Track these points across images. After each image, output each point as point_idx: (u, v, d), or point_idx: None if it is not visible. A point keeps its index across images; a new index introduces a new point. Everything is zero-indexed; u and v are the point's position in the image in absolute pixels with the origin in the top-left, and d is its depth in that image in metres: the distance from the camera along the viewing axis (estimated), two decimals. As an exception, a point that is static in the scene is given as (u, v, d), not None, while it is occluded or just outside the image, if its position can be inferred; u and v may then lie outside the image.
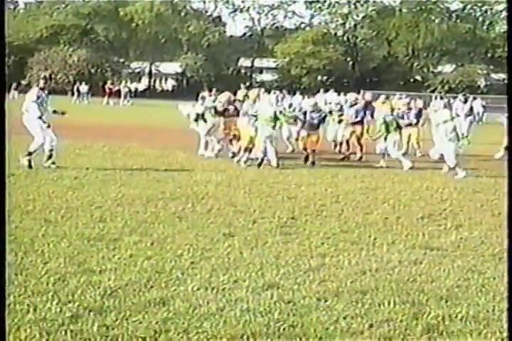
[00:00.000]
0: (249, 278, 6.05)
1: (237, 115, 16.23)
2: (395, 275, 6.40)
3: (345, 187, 12.43)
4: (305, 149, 15.86)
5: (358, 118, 17.41)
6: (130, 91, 53.54)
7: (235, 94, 17.46)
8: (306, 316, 5.11)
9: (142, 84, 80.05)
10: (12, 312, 4.86)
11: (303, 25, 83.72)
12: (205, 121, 16.08)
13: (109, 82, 57.65)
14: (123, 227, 7.96)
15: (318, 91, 42.11)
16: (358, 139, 17.36)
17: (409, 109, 18.92)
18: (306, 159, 15.69)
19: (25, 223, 7.89)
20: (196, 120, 16.23)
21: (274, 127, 15.16)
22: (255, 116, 15.34)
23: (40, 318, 4.77)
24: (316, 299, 5.53)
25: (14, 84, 58.64)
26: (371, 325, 4.96)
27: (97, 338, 4.48)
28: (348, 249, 7.43)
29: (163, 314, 5.00)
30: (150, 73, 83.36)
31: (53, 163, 13.31)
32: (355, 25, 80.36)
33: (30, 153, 13.23)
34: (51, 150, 13.43)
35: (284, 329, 4.82)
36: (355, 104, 17.91)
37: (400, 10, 78.43)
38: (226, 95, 17.06)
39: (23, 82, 70.48)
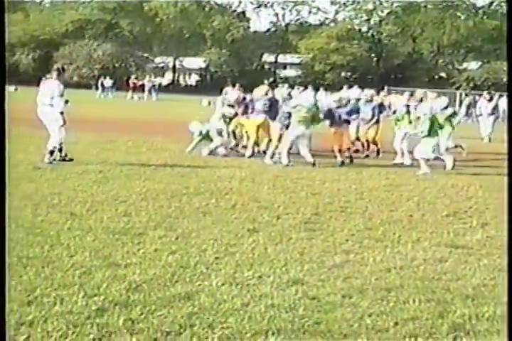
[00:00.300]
0: (274, 274, 6.05)
1: (246, 113, 16.15)
2: (420, 273, 6.37)
3: (369, 183, 12.39)
4: (335, 149, 15.35)
5: (374, 116, 17.03)
6: (154, 85, 53.69)
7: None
8: (331, 313, 5.09)
9: (166, 79, 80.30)
10: (39, 304, 4.91)
11: (327, 21, 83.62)
12: (211, 140, 15.70)
13: (133, 76, 57.96)
14: (147, 222, 7.98)
15: (342, 88, 41.91)
16: (374, 137, 17.07)
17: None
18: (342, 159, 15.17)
19: (51, 216, 7.94)
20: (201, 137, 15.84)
21: (309, 125, 14.75)
22: (289, 113, 14.89)
23: (66, 311, 4.80)
24: (341, 296, 5.51)
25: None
26: (396, 323, 4.94)
27: (123, 332, 4.50)
28: (373, 246, 7.40)
29: (188, 309, 5.01)
30: (174, 68, 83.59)
31: (66, 155, 13.01)
32: (380, 21, 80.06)
33: (52, 152, 12.88)
34: (61, 143, 13.03)
35: (308, 325, 4.81)
36: (371, 101, 17.55)
37: (426, 6, 77.99)
38: (234, 95, 16.82)
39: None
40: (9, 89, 54.27)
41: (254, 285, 5.70)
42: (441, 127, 14.66)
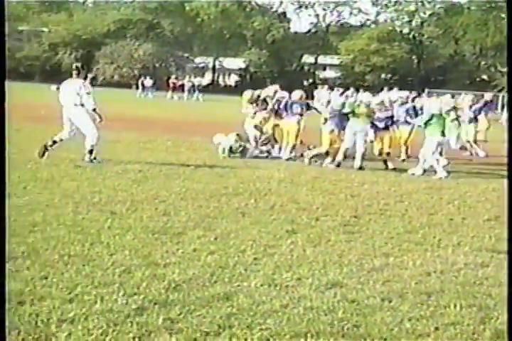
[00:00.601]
0: (313, 276, 6.02)
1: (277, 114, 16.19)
2: (460, 277, 6.29)
3: (408, 186, 12.30)
4: (380, 153, 15.23)
5: (409, 118, 16.55)
6: (194, 86, 53.89)
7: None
8: (370, 316, 5.06)
9: (206, 79, 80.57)
10: (80, 302, 4.95)
11: (368, 23, 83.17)
12: (233, 152, 15.51)
13: (173, 76, 58.22)
14: (186, 221, 8.00)
15: (382, 89, 41.70)
16: (406, 140, 16.78)
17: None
18: (386, 163, 14.99)
19: (92, 215, 8.00)
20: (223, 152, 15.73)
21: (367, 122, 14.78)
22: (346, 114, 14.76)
23: (106, 309, 4.83)
24: (380, 299, 5.47)
25: (89, 78, 59.93)
26: (437, 328, 4.88)
27: (162, 331, 4.51)
28: (413, 249, 7.34)
29: (226, 309, 5.01)
30: (214, 68, 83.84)
31: (95, 158, 12.77)
32: (421, 23, 79.39)
33: (91, 151, 12.79)
34: (93, 145, 12.81)
35: (347, 328, 4.78)
36: (406, 103, 17.21)
37: (469, 8, 77.17)
38: (298, 94, 16.75)
39: (89, 76, 71.69)
40: (51, 88, 55.05)
41: (292, 287, 5.68)
42: (443, 131, 14.43)
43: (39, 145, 12.80)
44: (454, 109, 16.33)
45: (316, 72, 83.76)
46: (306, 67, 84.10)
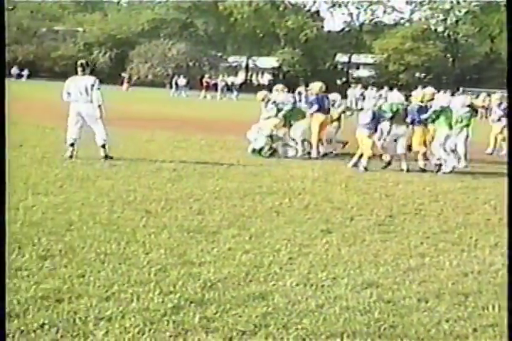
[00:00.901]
0: (348, 276, 6.00)
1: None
2: (498, 278, 6.21)
3: (444, 186, 12.19)
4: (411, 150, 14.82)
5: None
6: (227, 85, 54.01)
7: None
8: (407, 317, 5.02)
9: (239, 78, 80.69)
10: (117, 300, 4.98)
11: (402, 21, 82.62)
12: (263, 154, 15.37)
13: (206, 75, 58.37)
14: (221, 220, 8.01)
15: (416, 88, 41.40)
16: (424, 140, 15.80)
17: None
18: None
19: (127, 213, 8.05)
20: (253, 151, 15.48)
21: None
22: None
23: (143, 308, 4.85)
24: (417, 300, 5.43)
25: (126, 77, 60.68)
26: (475, 330, 4.83)
27: (198, 330, 4.52)
28: (449, 249, 7.27)
29: (262, 308, 5.00)
30: (247, 67, 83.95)
31: (107, 155, 12.84)
32: (456, 21, 78.68)
33: (104, 146, 12.91)
34: (105, 140, 12.97)
35: (384, 329, 4.74)
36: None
37: (506, 5, 76.26)
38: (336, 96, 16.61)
39: (124, 75, 72.26)
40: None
41: (328, 287, 5.66)
42: (450, 124, 14.20)
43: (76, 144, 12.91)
44: (468, 107, 15.88)
45: (350, 71, 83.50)
46: (339, 66, 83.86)
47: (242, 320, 4.74)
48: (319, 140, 15.98)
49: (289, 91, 18.09)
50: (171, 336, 4.40)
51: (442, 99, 15.40)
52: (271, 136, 15.41)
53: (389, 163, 13.93)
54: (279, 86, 17.83)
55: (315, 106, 15.85)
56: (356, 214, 8.93)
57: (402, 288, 5.75)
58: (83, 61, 13.62)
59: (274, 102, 16.18)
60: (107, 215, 7.84)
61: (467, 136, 15.14)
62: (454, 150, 14.53)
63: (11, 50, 77.84)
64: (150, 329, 4.46)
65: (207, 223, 7.81)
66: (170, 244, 6.71)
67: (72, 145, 12.87)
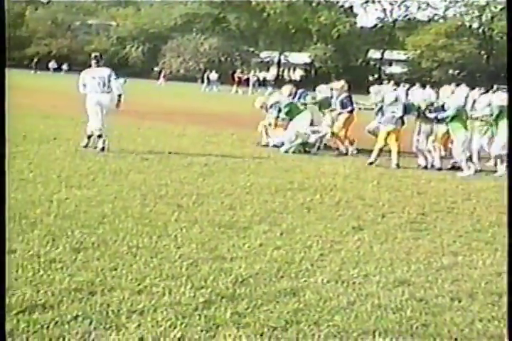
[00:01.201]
0: (380, 274, 5.96)
1: None
2: (533, 278, 6.15)
3: (477, 184, 12.08)
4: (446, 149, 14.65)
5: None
6: (259, 80, 54.02)
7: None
8: (440, 316, 4.98)
9: (270, 74, 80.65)
10: (149, 293, 4.99)
11: (436, 17, 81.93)
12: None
13: (238, 70, 58.45)
14: (252, 216, 8.00)
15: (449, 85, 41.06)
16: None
17: None
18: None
19: (159, 207, 8.07)
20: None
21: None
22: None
23: (175, 302, 4.86)
24: (450, 299, 5.38)
25: (163, 72, 61.04)
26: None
27: (230, 325, 4.52)
28: (482, 248, 7.20)
29: (293, 305, 4.99)
30: (279, 63, 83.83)
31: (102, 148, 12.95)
32: (492, 18, 77.78)
33: (100, 136, 13.04)
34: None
35: (416, 327, 4.71)
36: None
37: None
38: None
39: (156, 69, 72.62)
40: (119, 81, 55.80)
41: (359, 284, 5.63)
42: (464, 125, 13.87)
43: (108, 137, 12.99)
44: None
45: (382, 68, 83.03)
46: (371, 63, 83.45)
47: (274, 316, 4.73)
48: (346, 137, 15.94)
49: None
50: (202, 330, 4.41)
51: (461, 96, 14.98)
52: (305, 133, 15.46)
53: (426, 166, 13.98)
54: (287, 87, 17.70)
55: (349, 107, 15.89)
56: (388, 212, 8.88)
57: (435, 286, 5.71)
58: (97, 53, 14.03)
59: (272, 106, 16.26)
60: (139, 209, 7.87)
61: (492, 136, 14.79)
62: (471, 156, 14.18)
63: (45, 44, 78.55)
64: (181, 323, 4.47)
65: (238, 218, 7.81)
66: (201, 239, 6.72)
67: (89, 137, 13.13)
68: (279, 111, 16.03)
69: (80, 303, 4.69)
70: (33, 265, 5.44)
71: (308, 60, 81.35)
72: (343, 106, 15.91)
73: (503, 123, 13.62)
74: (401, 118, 14.25)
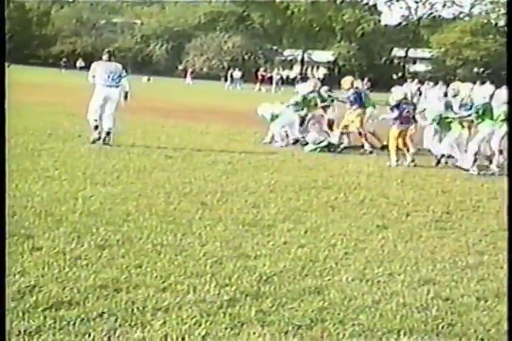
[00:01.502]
0: (405, 272, 5.93)
1: None
2: (560, 278, 6.09)
3: (501, 183, 11.96)
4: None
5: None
6: (282, 78, 54.00)
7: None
8: (466, 315, 4.94)
9: (294, 72, 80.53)
10: (174, 291, 5.00)
11: (462, 15, 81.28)
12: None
13: (261, 68, 58.45)
14: (276, 214, 7.99)
15: (474, 84, 40.81)
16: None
17: None
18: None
19: (183, 205, 8.08)
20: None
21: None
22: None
23: (199, 300, 4.87)
24: (476, 298, 5.35)
25: (190, 70, 61.25)
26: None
27: (254, 323, 4.52)
28: (508, 248, 7.13)
29: (318, 303, 4.97)
30: (302, 61, 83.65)
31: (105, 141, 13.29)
32: (518, 15, 77.08)
33: (108, 133, 13.40)
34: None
35: (442, 327, 4.68)
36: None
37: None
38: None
39: (180, 67, 72.83)
40: (143, 79, 56.04)
41: (384, 283, 5.61)
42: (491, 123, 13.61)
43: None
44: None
45: (406, 66, 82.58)
46: (395, 61, 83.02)
47: (298, 314, 4.72)
48: (363, 134, 15.90)
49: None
50: (226, 328, 4.41)
51: (482, 93, 14.84)
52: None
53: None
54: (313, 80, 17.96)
55: (357, 104, 15.92)
56: (412, 210, 8.84)
57: (460, 285, 5.68)
58: (110, 49, 14.76)
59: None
60: (163, 207, 7.89)
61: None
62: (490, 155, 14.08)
63: (70, 42, 79.00)
64: (206, 321, 4.48)
65: (262, 216, 7.80)
66: (225, 237, 6.73)
67: (96, 127, 13.36)
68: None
69: (105, 300, 4.71)
70: (59, 262, 5.47)
71: (331, 58, 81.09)
72: (351, 103, 15.94)
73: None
74: (413, 117, 14.24)
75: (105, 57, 13.74)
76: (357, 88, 16.32)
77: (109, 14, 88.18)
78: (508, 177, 5.42)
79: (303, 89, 17.22)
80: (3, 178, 3.25)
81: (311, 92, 16.69)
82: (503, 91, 19.00)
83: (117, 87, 13.47)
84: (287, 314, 4.72)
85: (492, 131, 13.57)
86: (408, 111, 14.08)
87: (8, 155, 10.60)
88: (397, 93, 14.90)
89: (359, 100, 15.98)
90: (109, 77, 13.40)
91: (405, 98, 14.48)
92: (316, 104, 16.50)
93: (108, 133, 13.26)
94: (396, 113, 14.04)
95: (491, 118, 13.58)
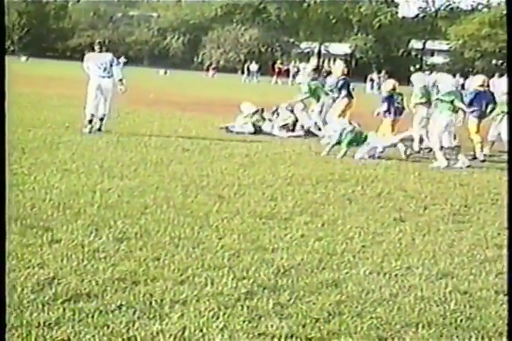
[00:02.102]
0: (423, 266, 5.91)
1: None
2: None
3: (520, 176, 11.89)
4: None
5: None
6: (299, 70, 53.83)
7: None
8: (484, 309, 4.91)
9: (311, 65, 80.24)
10: (192, 284, 5.01)
11: (480, 7, 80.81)
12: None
13: (278, 61, 58.36)
14: (293, 207, 7.99)
15: (493, 76, 40.53)
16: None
17: None
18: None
19: (200, 198, 8.09)
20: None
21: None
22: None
23: (217, 292, 4.87)
24: (494, 292, 5.32)
25: (213, 65, 61.33)
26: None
27: (272, 316, 4.52)
28: (527, 241, 7.10)
29: (336, 296, 4.97)
30: (319, 53, 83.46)
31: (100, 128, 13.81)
32: (537, 7, 76.46)
33: (102, 119, 13.87)
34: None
35: (461, 320, 4.66)
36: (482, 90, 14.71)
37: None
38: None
39: (197, 60, 72.75)
40: (159, 72, 56.12)
41: (402, 276, 5.59)
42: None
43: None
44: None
45: (424, 58, 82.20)
46: (413, 53, 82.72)
47: (316, 307, 4.72)
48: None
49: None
50: (244, 321, 4.41)
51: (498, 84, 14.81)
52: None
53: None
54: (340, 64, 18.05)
55: (344, 92, 16.01)
56: (430, 203, 8.80)
57: (479, 279, 5.65)
58: (100, 40, 15.34)
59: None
60: (180, 199, 7.90)
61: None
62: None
63: (88, 35, 79.25)
64: (224, 314, 4.48)
65: (279, 209, 7.80)
66: (243, 230, 6.73)
67: (90, 121, 13.63)
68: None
69: (123, 293, 4.73)
70: (77, 254, 5.49)
71: (348, 51, 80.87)
72: (340, 90, 15.91)
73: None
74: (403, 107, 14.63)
75: (97, 47, 14.12)
76: (346, 75, 16.53)
77: (126, 7, 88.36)
78: (508, 175, 5.35)
79: (303, 80, 17.45)
80: (3, 173, 3.27)
81: (312, 80, 16.85)
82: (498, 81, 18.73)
83: (110, 77, 13.76)
84: (305, 307, 4.71)
85: (451, 120, 12.98)
86: (398, 102, 14.45)
87: (27, 148, 10.71)
88: (418, 81, 14.94)
89: (346, 88, 16.07)
90: (99, 68, 13.72)
91: (425, 86, 14.55)
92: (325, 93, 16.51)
93: (101, 119, 13.70)
94: (385, 105, 14.40)
95: (452, 109, 12.98)
